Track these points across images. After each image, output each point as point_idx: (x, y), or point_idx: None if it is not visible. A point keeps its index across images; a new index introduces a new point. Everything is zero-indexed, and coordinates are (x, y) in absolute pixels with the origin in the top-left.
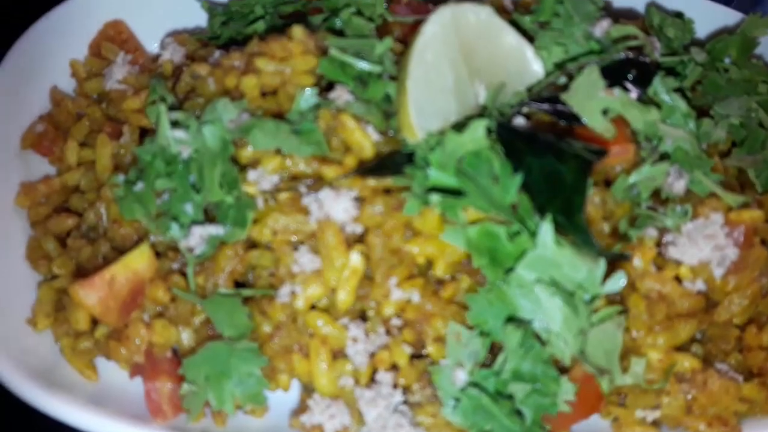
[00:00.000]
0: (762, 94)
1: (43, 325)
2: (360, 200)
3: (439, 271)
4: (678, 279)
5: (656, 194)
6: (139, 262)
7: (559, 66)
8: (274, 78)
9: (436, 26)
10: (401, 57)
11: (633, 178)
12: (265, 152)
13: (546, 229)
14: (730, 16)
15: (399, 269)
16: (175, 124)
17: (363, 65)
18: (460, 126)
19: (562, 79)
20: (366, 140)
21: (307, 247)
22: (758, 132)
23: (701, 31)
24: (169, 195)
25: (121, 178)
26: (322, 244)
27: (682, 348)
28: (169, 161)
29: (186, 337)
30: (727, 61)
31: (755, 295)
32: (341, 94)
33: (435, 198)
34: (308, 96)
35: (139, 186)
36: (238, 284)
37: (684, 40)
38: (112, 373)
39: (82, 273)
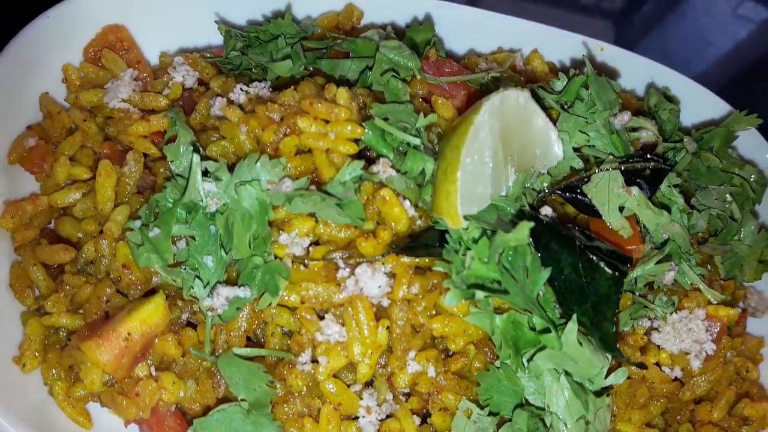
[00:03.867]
0: (736, 186)
1: (32, 366)
2: (392, 275)
3: (454, 345)
4: (658, 363)
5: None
6: (154, 316)
7: (577, 150)
8: (315, 140)
9: (485, 116)
10: (445, 136)
11: (637, 272)
12: (299, 214)
13: (571, 329)
14: (719, 107)
15: (416, 340)
16: (204, 173)
17: (404, 137)
18: (501, 219)
19: (580, 164)
20: (403, 215)
21: (332, 316)
22: (732, 225)
23: (689, 114)
24: (186, 243)
25: (137, 223)
26: (352, 316)
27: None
28: (189, 208)
29: (193, 393)
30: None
31: (718, 379)
32: (385, 169)
33: (480, 295)
34: (354, 168)
35: (155, 232)
36: (248, 338)
37: (674, 123)
38: (105, 417)
39: (80, 314)
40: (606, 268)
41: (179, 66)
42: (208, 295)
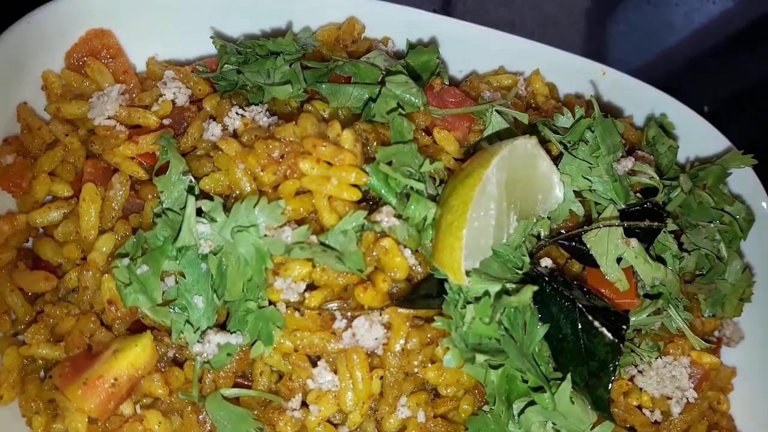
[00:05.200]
0: (725, 224)
1: (10, 398)
2: (389, 325)
3: (444, 391)
4: (639, 406)
5: None
6: (141, 358)
7: (578, 193)
8: (317, 184)
9: (494, 170)
10: (450, 183)
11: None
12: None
13: (565, 389)
14: (716, 138)
15: (407, 385)
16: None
17: (408, 182)
18: (502, 279)
19: (580, 208)
20: (404, 265)
21: (325, 363)
22: (719, 266)
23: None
24: (175, 280)
25: (125, 261)
26: (346, 366)
27: None
28: (180, 247)
29: (178, 428)
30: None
31: (693, 420)
32: (388, 218)
33: (480, 359)
34: (356, 218)
35: (143, 269)
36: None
37: (671, 159)
38: None
39: (60, 344)
40: (606, 333)
41: (170, 81)
42: (198, 341)
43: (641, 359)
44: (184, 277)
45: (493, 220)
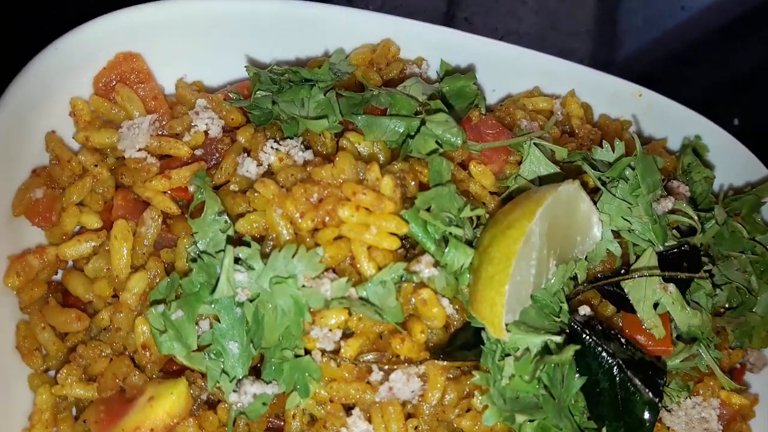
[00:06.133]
0: (757, 255)
1: None
2: (425, 376)
3: None
4: None
5: None
6: (177, 406)
7: (616, 233)
8: (356, 233)
9: (538, 222)
10: (490, 230)
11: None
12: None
13: None
14: (752, 164)
15: (440, 431)
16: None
17: (447, 229)
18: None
19: (618, 248)
20: (441, 314)
21: (359, 412)
22: (750, 300)
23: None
24: (210, 324)
25: (160, 308)
26: (381, 416)
27: None
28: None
29: None
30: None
31: None
32: (428, 269)
33: (520, 419)
34: (396, 270)
35: (178, 314)
36: None
37: (706, 189)
38: None
39: (93, 384)
40: (645, 391)
41: (202, 111)
42: (234, 390)
43: (670, 399)
44: (219, 322)
45: (533, 269)
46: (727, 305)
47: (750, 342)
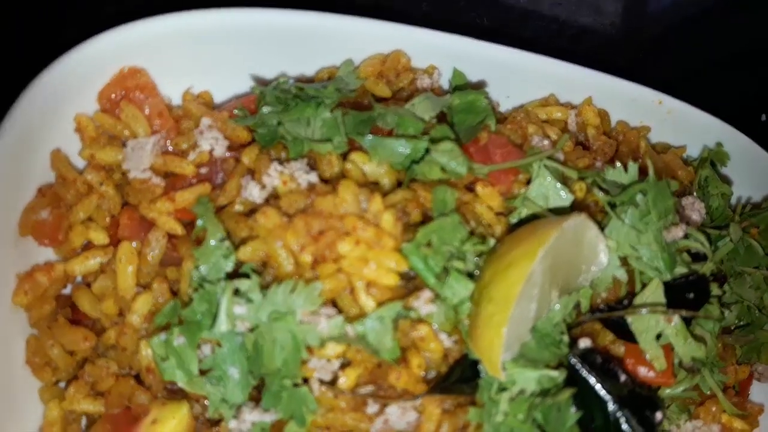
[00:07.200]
0: None
1: None
2: (421, 408)
3: None
4: None
5: None
6: (178, 430)
7: (623, 260)
8: (355, 268)
9: (540, 260)
10: (492, 264)
11: (663, 394)
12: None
13: None
14: None
15: None
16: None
17: (448, 264)
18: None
19: (624, 275)
20: (439, 348)
21: None
22: (761, 319)
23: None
24: (212, 348)
25: (162, 337)
26: None
27: None
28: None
29: None
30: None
31: None
32: (426, 306)
33: None
34: (393, 308)
35: (180, 341)
36: None
37: (722, 205)
38: None
39: (101, 398)
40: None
41: (207, 130)
42: (233, 416)
43: (670, 422)
44: (220, 346)
45: (534, 304)
46: (735, 324)
47: (758, 358)
